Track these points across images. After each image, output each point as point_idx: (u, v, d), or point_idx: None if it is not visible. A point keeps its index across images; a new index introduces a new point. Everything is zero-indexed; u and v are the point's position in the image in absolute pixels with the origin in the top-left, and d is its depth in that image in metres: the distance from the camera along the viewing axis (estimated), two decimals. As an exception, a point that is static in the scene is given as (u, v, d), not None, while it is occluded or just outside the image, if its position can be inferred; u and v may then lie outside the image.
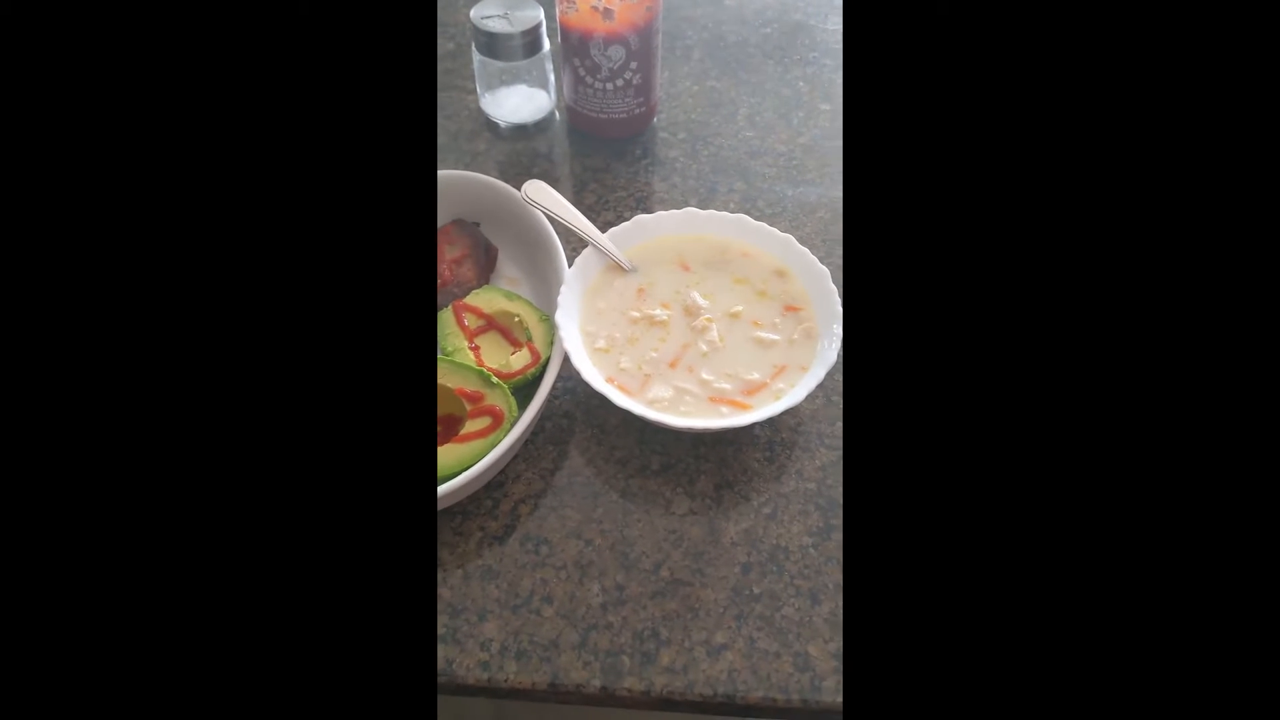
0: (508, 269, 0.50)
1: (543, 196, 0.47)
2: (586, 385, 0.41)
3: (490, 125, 0.61)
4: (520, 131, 0.61)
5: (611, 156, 0.60)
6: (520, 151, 0.60)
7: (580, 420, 0.45)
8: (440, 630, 0.38)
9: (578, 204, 0.56)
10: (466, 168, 0.58)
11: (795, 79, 0.67)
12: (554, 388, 0.43)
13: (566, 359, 0.42)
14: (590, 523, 0.41)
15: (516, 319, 0.45)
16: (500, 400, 0.41)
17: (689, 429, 0.40)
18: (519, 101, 0.60)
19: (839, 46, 0.70)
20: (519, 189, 0.48)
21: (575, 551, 0.40)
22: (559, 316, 0.42)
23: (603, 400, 0.45)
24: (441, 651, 0.37)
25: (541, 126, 0.61)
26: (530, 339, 0.44)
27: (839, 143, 0.61)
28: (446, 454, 0.39)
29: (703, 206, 0.56)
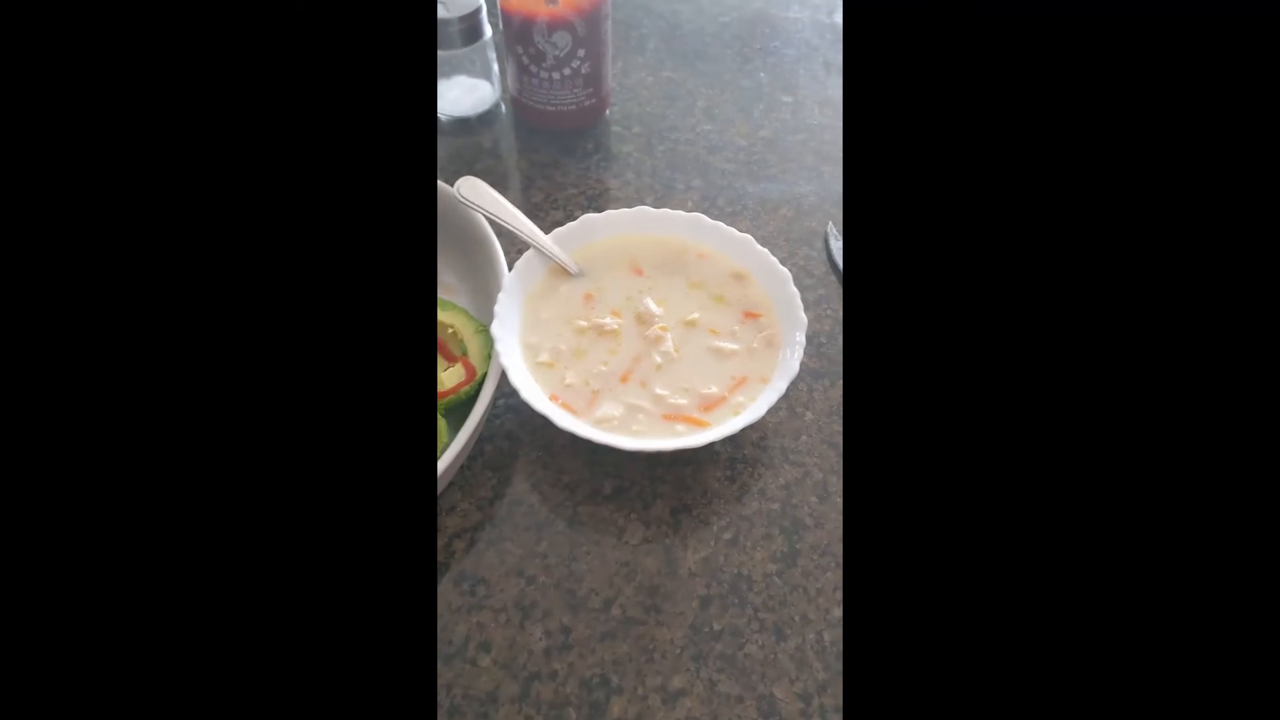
0: (443, 275, 0.46)
1: (478, 195, 0.42)
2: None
3: (429, 119, 0.57)
4: (462, 125, 0.57)
5: (560, 151, 0.56)
6: (463, 147, 0.56)
7: (525, 441, 0.41)
8: (361, 687, 0.33)
9: (524, 202, 0.52)
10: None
11: (755, 70, 0.64)
12: (493, 406, 0.39)
13: (505, 374, 0.38)
14: (533, 558, 0.37)
15: (450, 330, 0.41)
16: (429, 423, 0.36)
17: (641, 451, 0.36)
18: (460, 93, 0.56)
19: (801, 35, 0.67)
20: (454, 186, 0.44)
21: (516, 591, 0.36)
22: (496, 328, 0.38)
23: (548, 419, 0.41)
24: (362, 712, 0.33)
25: (486, 120, 0.57)
26: (465, 353, 0.40)
27: (801, 136, 0.58)
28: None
29: (659, 204, 0.52)
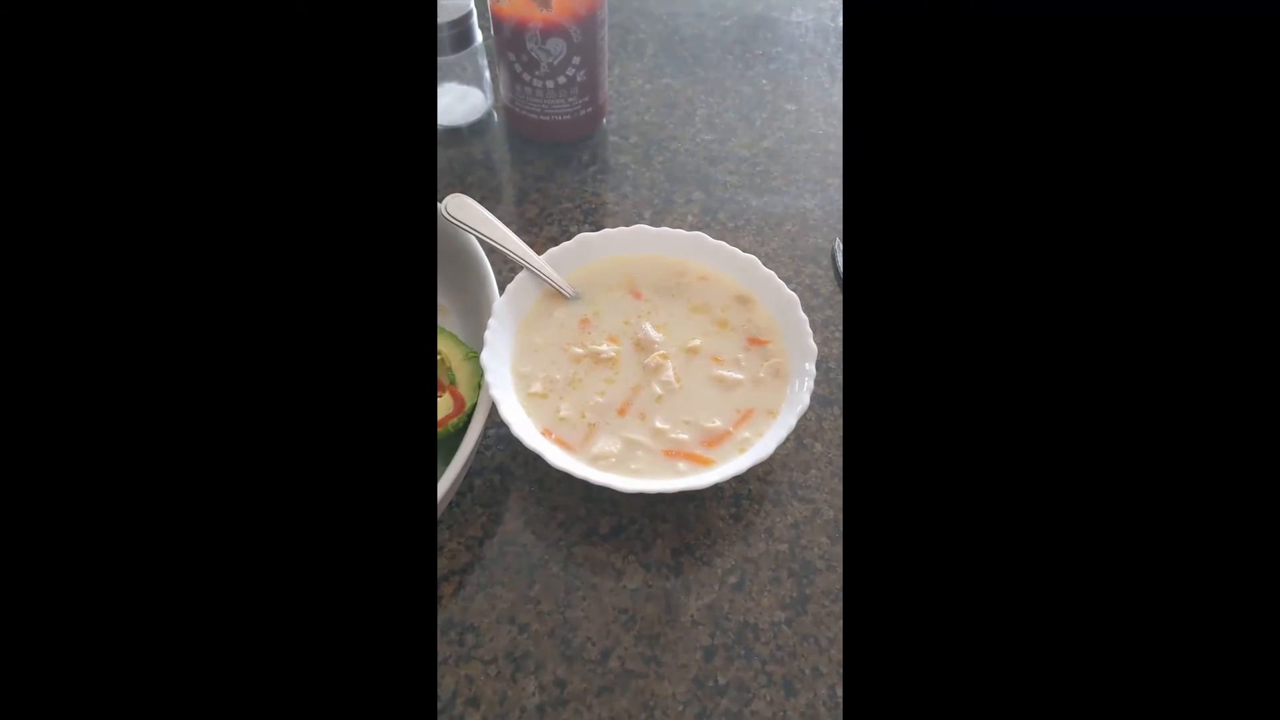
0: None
1: (466, 213, 0.40)
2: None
3: (418, 128, 0.55)
4: (453, 135, 0.54)
5: (555, 163, 0.53)
6: (454, 158, 0.53)
7: (517, 475, 0.38)
8: (339, 750, 0.31)
9: (518, 217, 0.50)
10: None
11: (757, 76, 0.61)
12: (484, 436, 0.37)
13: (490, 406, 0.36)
14: (526, 603, 0.35)
15: (438, 357, 0.38)
16: (414, 462, 0.34)
17: (640, 493, 0.34)
18: (450, 101, 0.53)
19: (805, 40, 0.65)
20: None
21: (507, 640, 0.34)
22: (486, 356, 0.36)
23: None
24: (339, 780, 0.30)
25: (477, 129, 0.55)
26: (454, 381, 0.38)
27: (806, 146, 0.56)
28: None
29: (658, 218, 0.50)
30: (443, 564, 0.36)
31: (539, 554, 0.36)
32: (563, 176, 0.52)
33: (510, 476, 0.38)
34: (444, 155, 0.53)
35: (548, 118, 0.51)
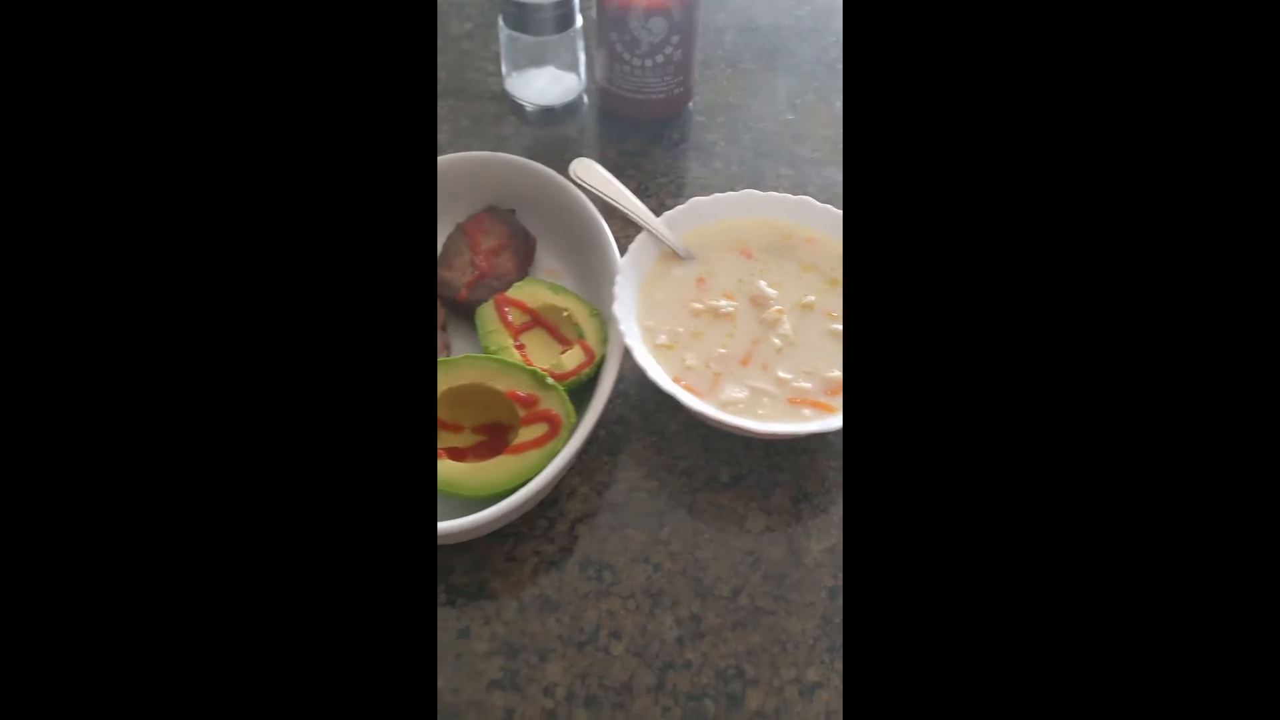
0: (546, 259, 0.46)
1: (592, 176, 0.42)
2: (641, 387, 0.37)
3: (515, 108, 0.57)
4: (548, 115, 0.56)
5: (648, 141, 0.55)
6: (550, 136, 0.55)
7: (636, 426, 0.40)
8: (498, 673, 0.32)
9: (614, 191, 0.52)
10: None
11: (834, 60, 0.63)
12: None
13: (621, 357, 0.37)
14: (657, 544, 0.36)
15: (565, 314, 0.40)
16: (557, 404, 0.36)
17: (772, 434, 0.35)
18: (546, 83, 0.55)
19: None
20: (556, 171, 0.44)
21: (643, 578, 0.35)
22: (617, 309, 0.37)
23: (662, 404, 0.40)
24: (500, 699, 0.32)
25: (570, 110, 0.57)
26: (581, 335, 0.39)
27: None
28: (499, 467, 0.34)
29: (753, 192, 0.51)
30: (575, 507, 0.37)
31: (664, 499, 0.38)
32: (655, 153, 0.54)
33: (630, 427, 0.40)
34: (541, 134, 0.55)
35: (642, 96, 0.53)
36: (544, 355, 0.39)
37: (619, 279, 0.38)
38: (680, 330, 0.39)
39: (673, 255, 0.41)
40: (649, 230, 0.41)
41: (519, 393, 0.35)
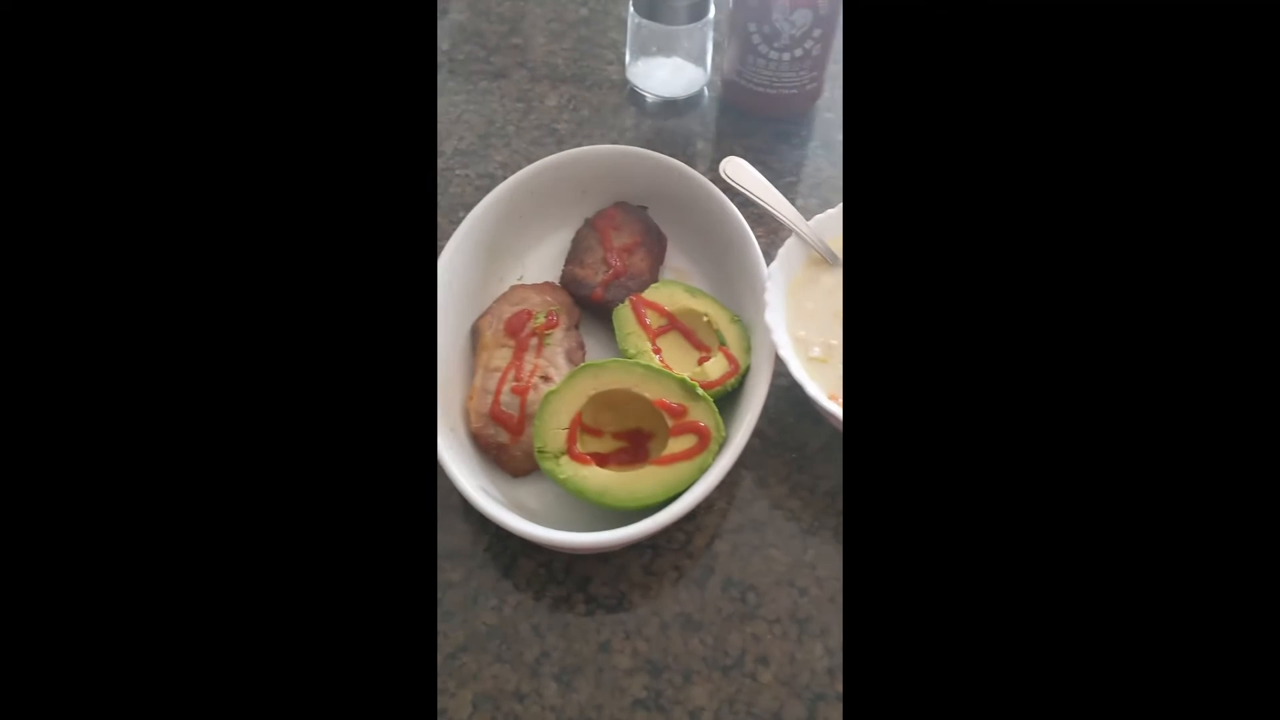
0: (674, 259, 0.44)
1: (743, 176, 0.40)
2: (779, 399, 0.35)
3: (634, 98, 0.55)
4: (669, 107, 0.54)
5: (774, 138, 0.53)
6: (671, 129, 0.53)
7: (775, 441, 0.38)
8: (640, 693, 0.31)
9: (739, 190, 0.50)
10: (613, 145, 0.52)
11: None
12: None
13: (771, 368, 0.35)
14: (802, 567, 0.34)
15: (705, 319, 0.38)
16: (706, 416, 0.34)
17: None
18: (668, 74, 0.54)
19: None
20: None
21: (789, 602, 0.33)
22: (769, 317, 0.35)
23: (802, 417, 0.38)
24: (645, 719, 0.31)
25: (691, 103, 0.55)
26: (723, 343, 0.38)
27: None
28: (650, 478, 0.33)
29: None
30: (712, 521, 0.36)
31: (809, 521, 0.36)
32: (783, 151, 0.52)
33: (768, 441, 0.38)
34: (662, 126, 0.54)
35: (774, 91, 0.51)
36: (681, 361, 0.38)
37: (770, 285, 0.37)
38: (833, 343, 0.37)
39: (821, 261, 0.39)
40: (798, 234, 0.39)
41: (668, 402, 0.34)
